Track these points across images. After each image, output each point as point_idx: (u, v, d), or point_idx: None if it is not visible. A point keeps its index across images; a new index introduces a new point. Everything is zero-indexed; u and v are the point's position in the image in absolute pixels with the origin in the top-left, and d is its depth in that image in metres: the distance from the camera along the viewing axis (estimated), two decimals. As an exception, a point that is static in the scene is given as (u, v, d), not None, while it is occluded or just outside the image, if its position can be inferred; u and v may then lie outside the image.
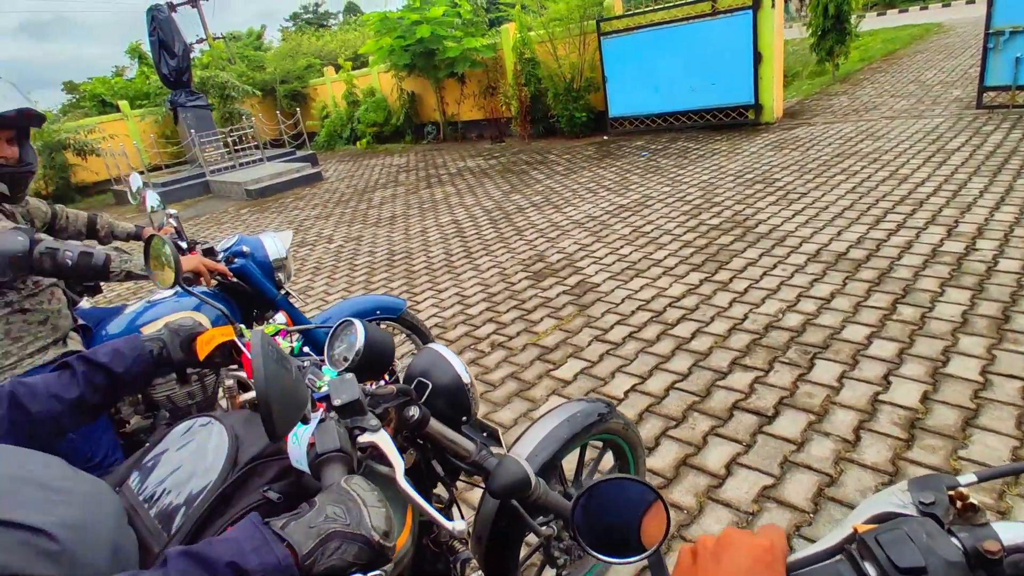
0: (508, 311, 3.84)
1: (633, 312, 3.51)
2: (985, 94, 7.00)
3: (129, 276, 1.89)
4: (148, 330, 1.97)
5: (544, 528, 1.32)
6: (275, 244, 2.24)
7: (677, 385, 2.75)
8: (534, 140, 10.62)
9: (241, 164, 11.96)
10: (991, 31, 6.66)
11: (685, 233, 4.63)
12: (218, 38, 23.40)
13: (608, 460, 1.82)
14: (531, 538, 1.68)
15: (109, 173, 12.69)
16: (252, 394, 1.93)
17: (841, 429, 2.30)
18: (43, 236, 1.73)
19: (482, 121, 12.20)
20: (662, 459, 2.30)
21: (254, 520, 0.75)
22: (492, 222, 5.92)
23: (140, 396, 2.02)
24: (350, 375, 0.99)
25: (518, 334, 3.51)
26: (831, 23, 10.17)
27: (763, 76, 8.08)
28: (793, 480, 2.09)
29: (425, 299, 4.27)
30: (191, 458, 0.99)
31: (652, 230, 4.82)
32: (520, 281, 4.29)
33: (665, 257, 4.23)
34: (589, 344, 3.24)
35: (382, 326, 2.62)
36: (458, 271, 4.72)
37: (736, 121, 8.44)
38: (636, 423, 2.52)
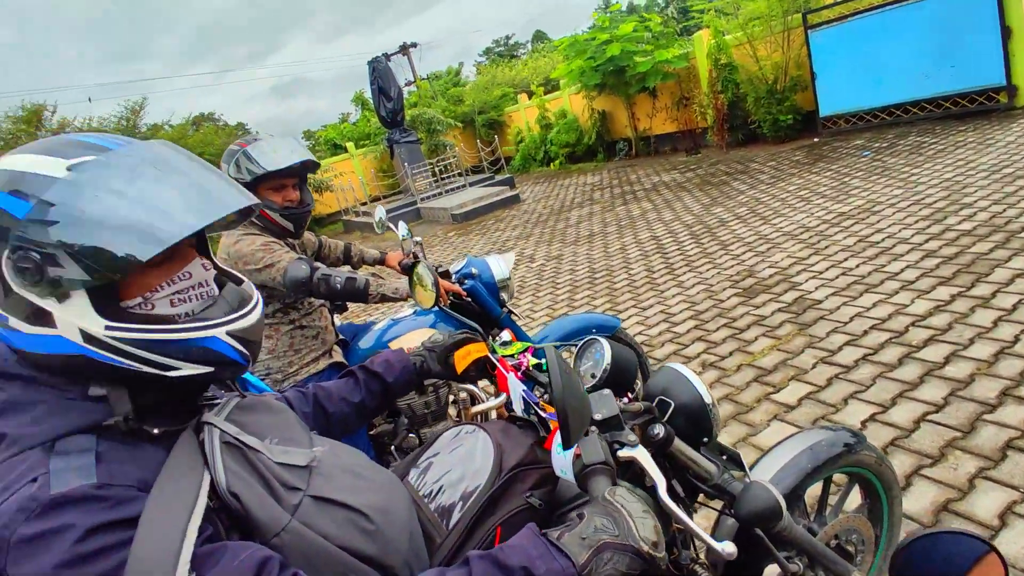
0: (718, 329, 3.67)
1: (866, 332, 3.14)
2: None
3: (384, 298, 2.18)
4: (394, 344, 2.22)
5: (791, 564, 1.25)
6: (500, 265, 2.41)
7: (930, 417, 2.40)
8: (732, 149, 10.08)
9: (447, 191, 13.13)
10: None
11: (927, 241, 4.04)
12: (423, 79, 25.95)
13: (855, 497, 1.65)
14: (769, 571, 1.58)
15: (339, 205, 14.88)
16: (482, 406, 2.09)
17: None
18: (318, 264, 2.07)
19: (675, 134, 11.91)
20: (917, 501, 2.02)
21: (533, 530, 0.82)
22: (694, 237, 5.73)
23: None
24: (607, 391, 1.03)
25: (730, 354, 3.34)
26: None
27: (1015, 53, 6.79)
28: (1105, 542, 1.71)
29: (630, 317, 4.27)
30: (462, 462, 1.11)
31: (883, 239, 4.28)
32: (729, 298, 4.09)
33: (903, 269, 3.73)
34: (814, 367, 2.97)
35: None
36: (661, 288, 4.64)
37: (984, 107, 7.17)
38: (880, 457, 2.25)
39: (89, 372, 0.75)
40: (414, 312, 2.39)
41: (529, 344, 1.42)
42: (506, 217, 10.01)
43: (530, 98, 16.73)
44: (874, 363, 2.86)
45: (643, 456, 0.97)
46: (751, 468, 1.45)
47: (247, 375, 1.95)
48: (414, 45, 25.48)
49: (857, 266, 3.97)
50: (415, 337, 2.21)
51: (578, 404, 0.86)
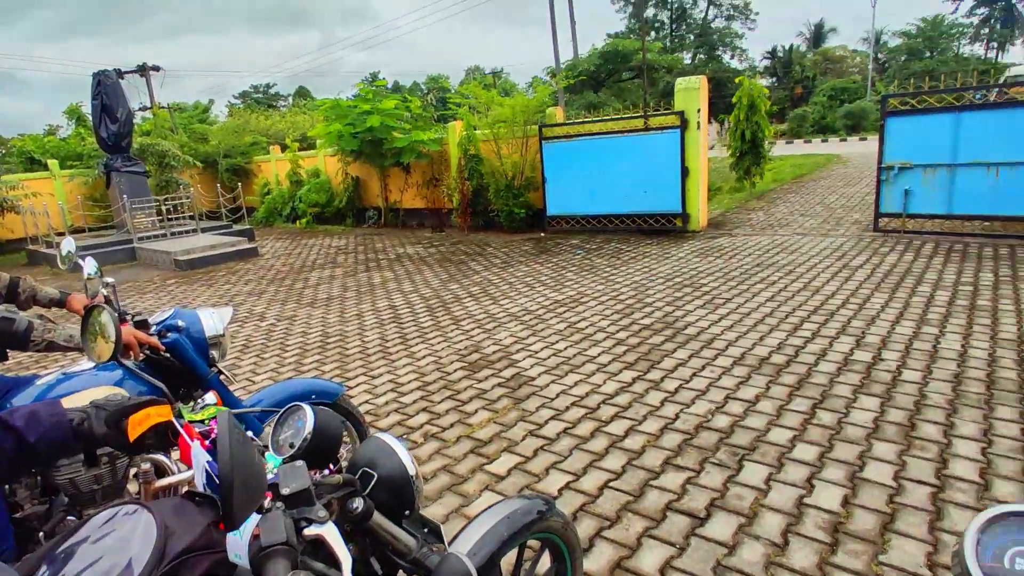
0: (442, 400, 3.77)
1: (568, 408, 3.52)
2: (880, 219, 7.82)
3: (52, 347, 1.77)
4: (66, 403, 1.80)
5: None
6: (212, 320, 2.15)
7: (611, 484, 2.74)
8: (473, 232, 10.89)
9: (173, 233, 11.63)
10: (883, 166, 7.54)
11: (618, 331, 4.78)
12: (163, 107, 23.26)
13: (545, 561, 1.76)
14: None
15: (26, 232, 12.07)
16: (170, 480, 1.78)
17: (770, 532, 2.33)
18: None
19: (424, 210, 12.45)
20: (596, 561, 2.25)
21: None
22: (429, 310, 5.92)
23: (38, 477, 1.82)
24: (301, 463, 0.95)
25: (452, 425, 3.43)
26: (748, 146, 11.27)
27: (689, 188, 8.74)
28: (725, 586, 2.08)
29: (358, 385, 4.14)
30: (113, 549, 0.90)
31: (587, 327, 4.95)
32: (456, 371, 4.25)
33: (599, 354, 4.33)
34: (524, 439, 3.21)
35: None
36: (393, 358, 4.64)
37: (665, 228, 9.00)
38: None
39: None
40: (95, 367, 1.99)
41: (228, 409, 1.26)
42: (240, 270, 9.19)
43: (283, 151, 16.04)
44: (572, 436, 3.20)
45: (331, 534, 0.89)
46: (455, 539, 1.46)
47: None
48: (157, 68, 22.73)
49: (565, 348, 4.49)
50: (92, 396, 1.85)
51: (246, 477, 0.76)
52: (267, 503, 0.89)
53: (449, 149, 11.50)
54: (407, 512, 1.17)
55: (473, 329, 5.15)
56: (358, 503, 1.03)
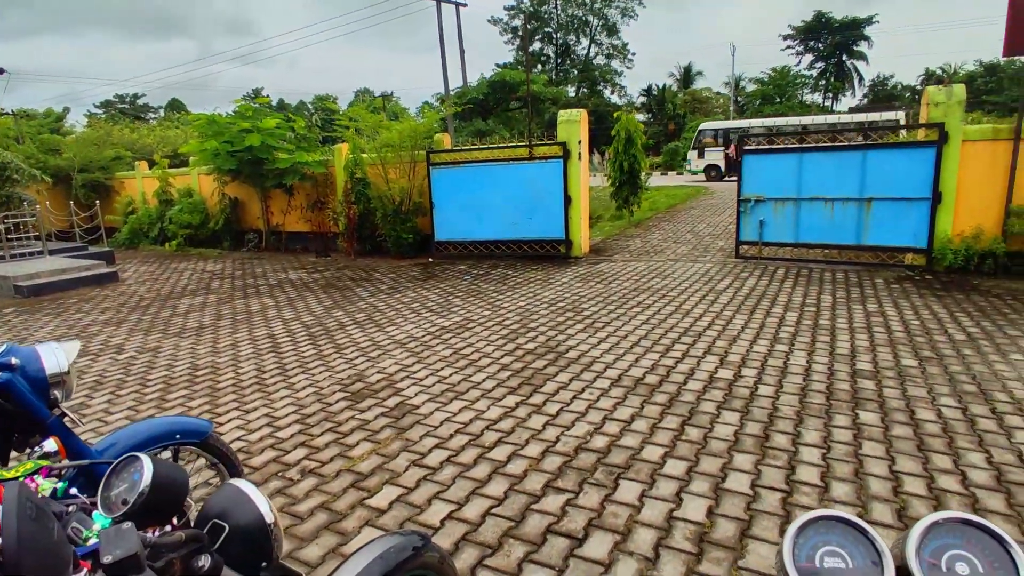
0: (322, 434, 3.61)
1: (451, 435, 3.51)
2: (741, 246, 8.57)
3: None
4: None
5: None
6: (55, 357, 1.91)
7: (494, 511, 2.75)
8: (360, 257, 10.64)
9: (14, 255, 10.34)
10: (742, 198, 8.31)
11: (503, 357, 4.84)
12: (7, 113, 20.78)
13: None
14: None
15: None
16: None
17: (643, 547, 2.44)
18: None
19: (308, 234, 12.00)
20: (477, 592, 2.24)
21: None
22: (311, 338, 5.68)
23: None
24: (127, 524, 0.86)
25: (332, 459, 3.29)
26: (626, 177, 11.98)
27: (572, 216, 9.12)
28: (601, 604, 2.15)
29: (230, 421, 3.87)
30: None
31: (472, 353, 4.98)
32: (337, 401, 4.10)
33: (483, 380, 4.36)
34: (406, 469, 3.14)
35: (182, 453, 2.31)
36: (270, 390, 4.39)
37: (550, 253, 9.30)
38: (452, 553, 2.45)
39: None
40: None
41: (45, 464, 1.13)
42: (96, 297, 8.32)
43: (151, 167, 14.84)
44: (456, 464, 3.18)
45: None
46: None
47: None
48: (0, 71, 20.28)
49: (450, 375, 4.48)
50: None
51: (39, 562, 0.68)
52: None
53: (335, 172, 11.22)
54: (264, 563, 1.10)
55: (357, 357, 5.01)
56: (204, 560, 0.95)
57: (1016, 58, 12.10)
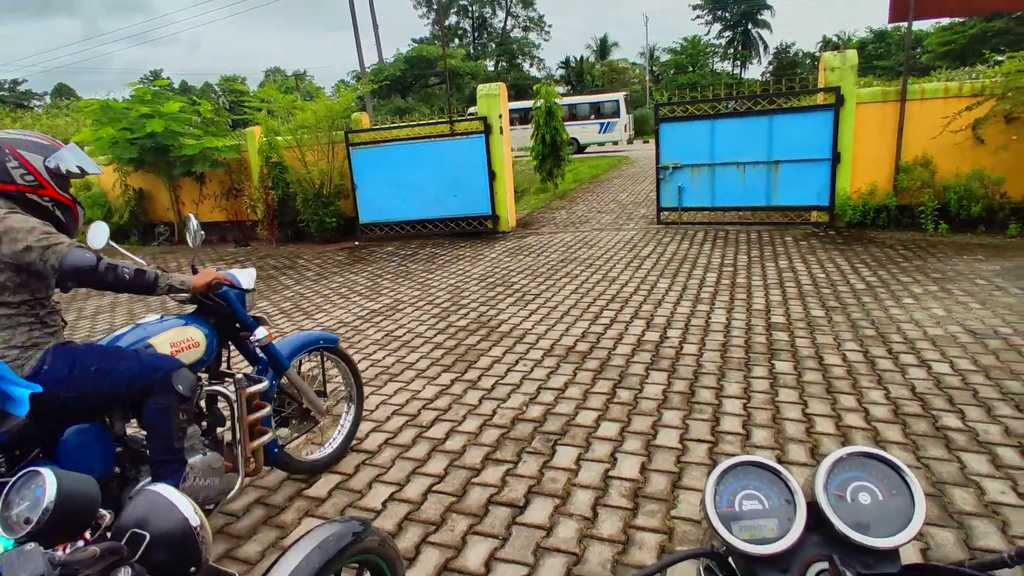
0: (253, 429, 3.50)
1: (388, 418, 3.48)
2: (662, 213, 8.85)
3: (171, 290, 2.22)
4: (154, 342, 2.29)
5: None
6: (247, 277, 2.71)
7: (435, 488, 2.77)
8: (283, 244, 10.26)
9: None
10: (660, 166, 8.56)
11: (435, 335, 4.83)
12: None
13: (365, 582, 1.73)
14: None
15: None
16: None
17: (582, 508, 2.53)
18: (101, 254, 1.98)
19: (225, 223, 11.42)
20: (423, 568, 2.26)
21: None
22: (234, 331, 5.45)
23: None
24: (31, 545, 0.80)
25: (265, 454, 3.21)
26: (548, 150, 12.06)
27: (497, 191, 9.12)
28: (546, 566, 2.22)
29: (149, 424, 3.68)
30: None
31: (404, 334, 4.93)
32: (267, 394, 3.98)
33: (418, 360, 4.34)
34: (344, 456, 3.10)
35: (327, 359, 3.07)
36: (192, 388, 4.20)
37: (477, 230, 9.28)
38: (395, 534, 2.45)
39: None
40: (159, 316, 2.49)
41: None
42: (-16, 305, 7.63)
43: (37, 161, 13.62)
44: (394, 445, 3.17)
45: None
46: None
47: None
48: None
49: (384, 358, 4.43)
50: (172, 336, 2.36)
51: None
52: None
53: (249, 157, 10.70)
54: (193, 569, 1.06)
55: (285, 348, 4.86)
56: (124, 574, 0.91)
57: (900, 24, 12.95)
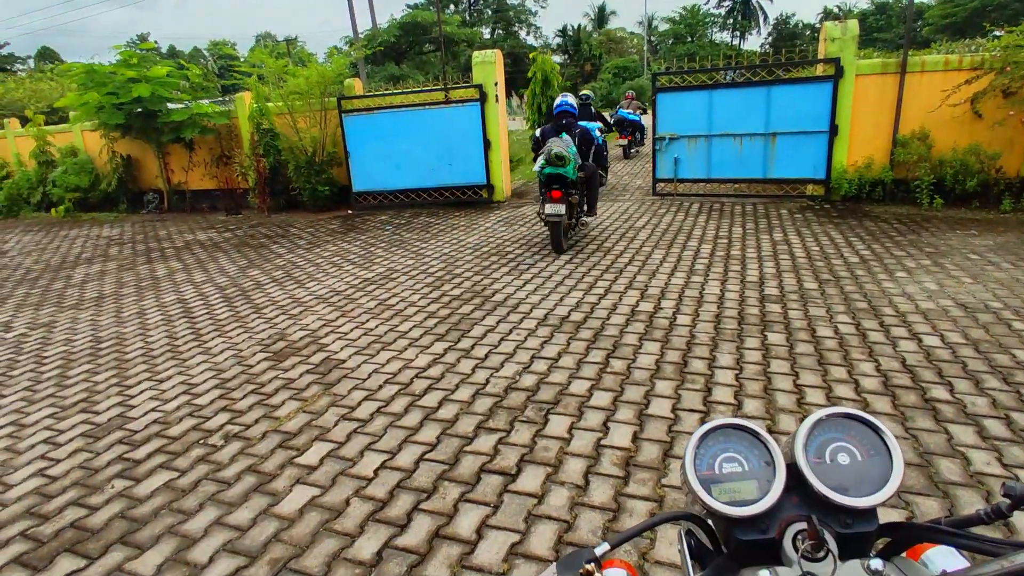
0: (244, 396, 3.49)
1: (381, 386, 3.48)
2: (657, 184, 8.78)
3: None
4: None
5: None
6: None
7: (427, 456, 2.78)
8: (275, 213, 10.15)
9: None
10: (656, 137, 8.46)
11: (429, 304, 4.81)
12: None
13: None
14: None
15: None
16: None
17: (573, 476, 2.54)
18: None
19: (216, 191, 11.28)
20: (415, 535, 2.27)
21: None
22: (226, 300, 5.42)
23: None
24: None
25: (256, 421, 3.20)
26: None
27: (492, 160, 9.01)
28: (537, 533, 2.24)
29: (142, 392, 3.67)
30: None
31: (397, 303, 4.91)
32: (259, 363, 3.96)
33: (411, 329, 4.32)
34: (336, 424, 3.11)
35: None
36: (184, 356, 4.18)
37: (472, 199, 9.20)
38: (387, 501, 2.46)
39: None
40: None
41: None
42: (-28, 272, 7.55)
43: (24, 125, 13.36)
44: (386, 414, 3.17)
45: None
46: None
47: None
48: None
49: (376, 327, 4.41)
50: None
51: None
52: None
53: (239, 123, 10.52)
54: None
55: (277, 316, 4.83)
56: None
57: (904, -7, 12.71)
